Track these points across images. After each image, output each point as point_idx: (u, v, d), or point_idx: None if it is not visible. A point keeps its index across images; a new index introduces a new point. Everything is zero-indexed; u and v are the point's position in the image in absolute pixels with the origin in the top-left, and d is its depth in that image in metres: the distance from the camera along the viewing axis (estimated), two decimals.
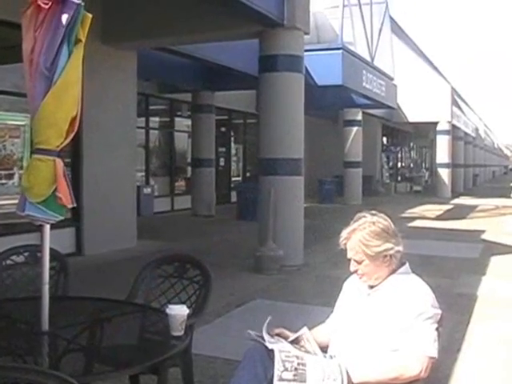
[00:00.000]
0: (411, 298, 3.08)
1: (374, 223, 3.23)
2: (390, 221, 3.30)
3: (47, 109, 3.16)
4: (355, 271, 3.26)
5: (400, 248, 3.23)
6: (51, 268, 3.86)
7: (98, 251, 11.30)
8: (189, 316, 3.28)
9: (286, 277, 9.79)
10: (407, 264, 3.31)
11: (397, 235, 3.27)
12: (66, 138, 3.27)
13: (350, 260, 3.28)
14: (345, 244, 3.26)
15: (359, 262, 3.22)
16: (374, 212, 3.31)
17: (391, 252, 3.19)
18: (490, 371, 5.76)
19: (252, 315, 7.07)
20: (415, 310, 3.03)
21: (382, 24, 24.13)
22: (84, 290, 4.62)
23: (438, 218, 20.97)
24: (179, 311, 3.22)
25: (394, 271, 3.24)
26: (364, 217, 3.27)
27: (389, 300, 3.13)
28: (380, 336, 3.07)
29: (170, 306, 3.28)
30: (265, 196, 10.53)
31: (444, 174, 32.25)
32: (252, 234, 11.75)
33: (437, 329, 3.07)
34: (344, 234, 3.27)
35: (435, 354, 2.99)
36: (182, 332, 3.22)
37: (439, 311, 3.10)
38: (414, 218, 19.93)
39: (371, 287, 3.25)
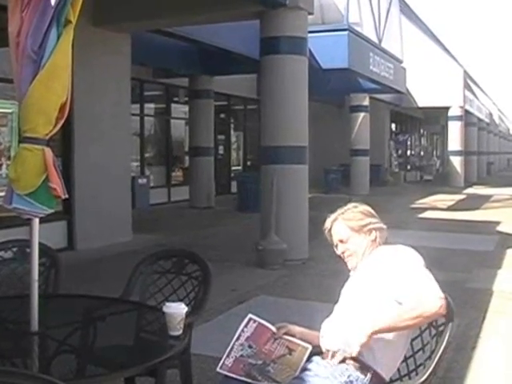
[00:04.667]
0: (402, 256, 3.23)
1: (355, 206, 3.49)
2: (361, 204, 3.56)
3: (35, 95, 3.14)
4: (342, 253, 3.41)
5: (384, 226, 3.43)
6: (41, 264, 3.85)
7: (91, 246, 11.28)
8: (187, 314, 3.27)
9: (290, 272, 9.79)
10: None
11: (378, 218, 3.47)
12: (55, 126, 3.24)
13: (336, 246, 3.45)
14: (329, 231, 3.46)
15: (345, 241, 3.39)
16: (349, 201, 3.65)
17: (375, 226, 3.39)
18: (508, 370, 5.75)
19: (254, 313, 7.06)
20: (409, 263, 3.17)
21: (390, 4, 24.06)
22: (76, 287, 4.62)
23: (449, 208, 20.96)
24: (177, 309, 3.20)
25: (379, 245, 3.40)
26: (345, 206, 3.52)
27: (377, 265, 3.24)
28: (376, 300, 3.14)
29: (168, 304, 3.27)
30: (267, 186, 10.51)
31: (456, 162, 32.22)
32: (254, 226, 11.75)
33: None
34: (327, 223, 3.47)
35: (442, 294, 3.05)
36: (181, 331, 3.20)
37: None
38: (424, 209, 19.93)
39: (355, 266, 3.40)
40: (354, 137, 26.41)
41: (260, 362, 3.15)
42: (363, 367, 3.03)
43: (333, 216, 3.45)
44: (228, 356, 3.15)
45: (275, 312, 7.19)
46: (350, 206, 3.49)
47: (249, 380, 3.08)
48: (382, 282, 3.14)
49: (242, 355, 3.15)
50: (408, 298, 3.04)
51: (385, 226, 3.43)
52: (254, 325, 3.24)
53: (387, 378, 3.10)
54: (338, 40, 17.53)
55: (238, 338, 3.19)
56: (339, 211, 3.46)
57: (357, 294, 3.24)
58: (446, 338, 3.03)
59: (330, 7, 18.90)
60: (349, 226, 3.38)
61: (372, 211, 3.48)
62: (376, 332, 2.99)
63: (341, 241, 3.39)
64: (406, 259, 3.19)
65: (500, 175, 49.48)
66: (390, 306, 3.07)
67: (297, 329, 3.37)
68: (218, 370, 3.15)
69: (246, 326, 3.23)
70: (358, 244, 3.36)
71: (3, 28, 3.42)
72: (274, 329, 3.28)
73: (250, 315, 3.28)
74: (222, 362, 3.15)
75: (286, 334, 3.32)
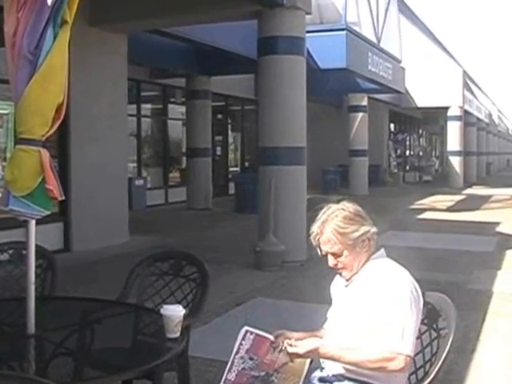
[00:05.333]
0: (382, 291, 3.02)
1: (343, 209, 3.19)
2: (357, 205, 3.28)
3: (31, 95, 3.14)
4: (334, 265, 3.20)
5: (376, 229, 3.18)
6: (37, 266, 3.84)
7: (88, 247, 11.28)
8: (185, 316, 3.26)
9: (289, 273, 9.78)
10: (383, 249, 3.26)
11: (368, 218, 3.22)
12: (51, 127, 3.24)
13: (326, 255, 3.21)
14: (318, 240, 3.20)
15: (339, 255, 3.16)
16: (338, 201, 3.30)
17: (369, 235, 3.15)
18: (508, 372, 5.75)
19: (252, 315, 7.06)
20: (384, 305, 2.98)
21: (389, 3, 24.07)
22: (73, 289, 4.62)
23: (449, 209, 20.97)
24: (174, 311, 3.20)
25: (370, 256, 3.20)
26: (330, 207, 3.23)
27: (363, 291, 3.10)
28: (357, 327, 3.05)
29: (165, 306, 3.26)
30: (265, 187, 10.51)
31: (455, 162, 32.23)
32: (252, 227, 11.75)
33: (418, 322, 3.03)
34: (315, 228, 3.20)
35: (411, 353, 2.94)
36: (178, 334, 3.20)
37: (418, 306, 3.04)
38: (423, 210, 19.94)
39: (349, 279, 3.22)
40: (353, 137, 26.42)
41: (263, 374, 3.10)
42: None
43: (320, 220, 3.19)
44: (230, 371, 3.08)
45: (273, 314, 7.19)
46: (338, 209, 3.19)
47: None
48: (363, 308, 3.05)
49: (243, 368, 3.09)
50: (377, 341, 2.96)
51: (376, 230, 3.18)
52: (252, 336, 3.15)
53: None
54: (336, 40, 17.53)
55: (237, 352, 3.11)
56: (325, 214, 3.18)
57: (348, 312, 3.15)
58: (449, 343, 3.02)
59: (327, 7, 18.91)
60: (340, 239, 3.12)
61: (362, 213, 3.21)
62: (325, 355, 2.99)
63: (332, 254, 3.18)
64: (391, 296, 2.99)
65: (499, 175, 49.50)
66: (360, 337, 3.02)
67: (295, 334, 3.27)
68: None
69: (243, 338, 3.14)
70: (353, 258, 3.15)
71: None
72: (271, 337, 3.18)
73: (245, 328, 3.17)
74: (224, 377, 3.08)
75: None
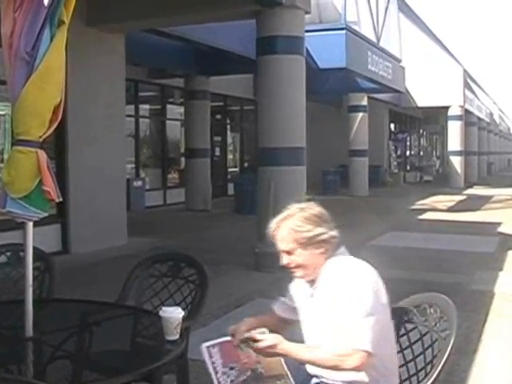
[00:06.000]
0: (342, 290, 3.02)
1: (304, 209, 3.19)
2: (322, 208, 3.25)
3: (28, 97, 3.14)
4: (287, 264, 3.21)
5: (334, 233, 3.15)
6: (35, 268, 3.84)
7: (86, 249, 11.28)
8: (184, 318, 3.26)
9: (288, 275, 9.75)
10: (343, 248, 3.23)
11: (331, 221, 3.20)
12: (48, 128, 3.25)
13: (281, 253, 3.22)
14: (274, 235, 3.20)
15: (291, 253, 3.16)
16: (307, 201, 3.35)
17: (324, 237, 3.13)
18: (510, 374, 5.75)
19: (252, 317, 7.05)
20: (345, 304, 2.98)
21: (389, 2, 24.08)
22: (71, 291, 4.62)
23: (450, 209, 20.97)
24: (173, 314, 3.20)
25: (327, 259, 3.18)
26: (293, 206, 3.24)
27: (327, 294, 3.10)
28: (325, 328, 3.08)
29: (164, 308, 3.26)
30: (264, 188, 10.51)
31: (456, 162, 32.23)
32: (251, 228, 11.73)
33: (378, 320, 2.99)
34: (273, 224, 3.21)
35: (369, 348, 2.91)
36: (177, 336, 3.20)
37: (379, 300, 3.03)
38: (424, 210, 19.95)
39: (312, 284, 3.22)
40: (353, 137, 26.41)
41: (249, 373, 3.11)
42: None
43: (279, 217, 3.20)
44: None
45: None
46: (297, 208, 3.20)
47: None
48: (329, 309, 3.06)
49: (232, 381, 3.09)
50: (335, 338, 2.99)
51: (335, 234, 3.16)
52: (215, 349, 3.12)
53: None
54: (335, 39, 17.53)
55: (216, 372, 3.09)
56: (285, 214, 3.20)
57: (317, 316, 3.17)
58: (451, 344, 3.03)
59: (327, 6, 18.92)
60: (294, 237, 3.13)
61: (323, 215, 3.20)
62: (283, 352, 3.00)
63: (285, 252, 3.18)
64: (351, 294, 2.98)
65: (501, 175, 49.50)
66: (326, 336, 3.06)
67: (247, 323, 3.29)
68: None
69: (210, 356, 3.11)
70: (306, 259, 3.14)
71: None
72: (229, 338, 3.19)
73: (203, 345, 3.13)
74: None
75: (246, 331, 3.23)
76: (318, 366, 3.02)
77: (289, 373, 3.09)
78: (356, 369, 2.92)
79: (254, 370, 3.13)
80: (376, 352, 2.91)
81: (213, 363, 3.11)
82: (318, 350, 3.01)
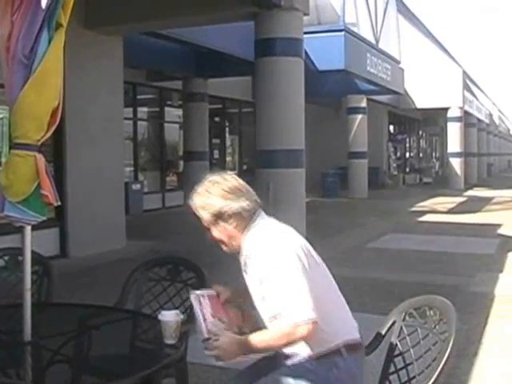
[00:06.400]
0: (258, 261, 3.06)
1: (211, 184, 3.19)
2: (235, 179, 3.23)
3: (26, 100, 3.14)
4: (212, 240, 3.25)
5: (245, 205, 3.15)
6: (33, 272, 3.84)
7: (84, 253, 11.27)
8: (183, 322, 3.26)
9: None
10: (260, 216, 3.26)
11: (243, 193, 3.18)
12: (47, 132, 3.25)
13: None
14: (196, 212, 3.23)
15: (209, 229, 3.21)
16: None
17: (231, 211, 3.13)
18: (510, 377, 5.75)
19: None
20: (264, 276, 3.01)
21: (387, 3, 24.10)
22: (70, 295, 4.62)
23: (450, 211, 20.96)
24: (172, 317, 3.20)
25: (244, 231, 3.19)
26: (204, 180, 3.25)
27: (252, 272, 3.13)
28: (261, 306, 3.11)
29: (163, 312, 3.26)
30: (263, 191, 10.50)
31: (456, 163, 32.24)
32: None
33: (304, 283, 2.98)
34: (190, 202, 3.26)
35: (306, 317, 2.91)
36: (176, 340, 3.20)
37: (303, 264, 3.01)
38: (424, 212, 19.94)
39: (241, 259, 3.25)
40: (352, 139, 26.41)
41: (236, 330, 3.14)
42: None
43: (194, 193, 3.25)
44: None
45: None
46: (204, 184, 3.21)
47: None
48: (258, 285, 3.09)
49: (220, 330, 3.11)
50: (275, 315, 2.98)
51: (246, 205, 3.14)
52: (206, 299, 3.19)
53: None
54: (334, 41, 17.54)
55: (204, 319, 3.11)
56: (194, 192, 3.24)
57: (253, 294, 3.19)
58: (450, 346, 3.02)
59: (325, 7, 18.94)
60: (204, 216, 3.17)
61: (231, 188, 3.16)
62: (240, 352, 3.00)
63: (206, 228, 3.22)
64: (273, 266, 2.99)
65: (501, 177, 49.52)
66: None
67: (225, 294, 3.37)
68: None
69: (199, 304, 3.16)
70: (220, 233, 3.18)
71: None
72: (215, 292, 3.28)
73: (194, 293, 3.21)
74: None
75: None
76: (276, 348, 3.07)
77: None
78: (308, 337, 2.95)
79: (240, 328, 3.16)
80: (316, 315, 2.94)
81: (201, 310, 3.14)
82: (266, 335, 3.01)
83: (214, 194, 3.14)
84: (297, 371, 3.08)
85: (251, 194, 3.22)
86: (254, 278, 3.11)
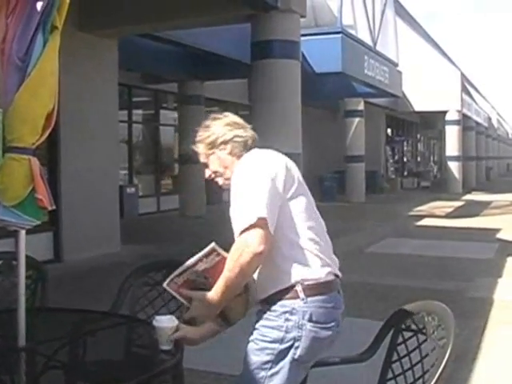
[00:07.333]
0: (233, 182, 3.06)
1: (212, 118, 3.30)
2: (233, 115, 3.35)
3: (21, 103, 3.14)
4: (209, 177, 3.32)
5: (239, 133, 3.24)
6: (28, 277, 3.84)
7: (79, 257, 11.27)
8: (178, 328, 3.26)
9: None
10: (256, 149, 3.24)
11: (238, 124, 3.27)
12: (42, 135, 3.24)
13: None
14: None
15: (207, 164, 3.27)
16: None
17: (225, 137, 3.21)
18: (509, 382, 5.76)
19: (248, 324, 7.05)
20: (233, 195, 3.02)
21: (385, 5, 24.14)
22: (64, 300, 4.60)
23: (448, 215, 21.00)
24: (168, 323, 3.19)
25: (240, 157, 3.21)
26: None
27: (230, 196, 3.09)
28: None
29: (157, 318, 3.24)
30: None
31: (454, 167, 32.29)
32: None
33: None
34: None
35: (255, 217, 2.84)
36: (171, 346, 3.19)
37: (274, 182, 2.97)
38: (422, 217, 19.97)
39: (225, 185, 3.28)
40: (349, 143, 26.45)
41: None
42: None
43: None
44: (179, 276, 3.07)
45: None
46: (206, 120, 3.31)
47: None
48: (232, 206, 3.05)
49: (193, 280, 3.08)
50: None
51: (240, 133, 3.23)
52: (217, 258, 3.05)
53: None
54: (331, 43, 17.57)
55: (194, 265, 3.05)
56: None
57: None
58: (448, 352, 3.03)
59: (323, 9, 18.96)
60: (200, 150, 3.26)
61: (225, 118, 3.28)
62: (224, 294, 2.97)
63: (204, 165, 3.29)
64: (237, 180, 3.02)
65: (500, 180, 49.58)
66: None
67: None
68: (164, 285, 3.10)
69: (206, 256, 3.06)
70: (215, 163, 3.24)
71: None
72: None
73: (213, 244, 3.09)
74: (170, 278, 3.08)
75: None
76: (242, 278, 2.95)
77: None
78: (260, 250, 2.84)
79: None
80: (276, 225, 2.91)
81: (200, 260, 3.06)
82: (226, 266, 2.95)
83: (212, 127, 3.25)
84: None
85: (250, 130, 3.31)
86: (231, 201, 3.08)
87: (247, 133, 3.26)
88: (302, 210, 3.07)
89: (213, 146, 3.21)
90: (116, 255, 11.77)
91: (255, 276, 3.05)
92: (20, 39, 3.16)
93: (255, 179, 2.96)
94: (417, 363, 3.18)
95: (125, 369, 3.32)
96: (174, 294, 3.12)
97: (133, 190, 19.08)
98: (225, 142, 3.20)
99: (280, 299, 3.01)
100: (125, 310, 4.18)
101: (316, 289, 2.99)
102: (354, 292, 8.58)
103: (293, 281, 2.98)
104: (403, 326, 3.35)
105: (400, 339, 3.33)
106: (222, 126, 3.23)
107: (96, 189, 12.24)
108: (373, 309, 7.82)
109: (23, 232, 3.33)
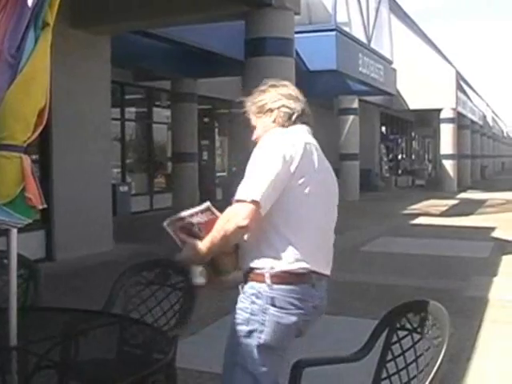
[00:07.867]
0: (256, 150, 3.21)
1: (269, 84, 3.46)
2: (290, 85, 3.50)
3: (12, 100, 3.13)
4: (255, 140, 3.41)
5: (286, 103, 3.36)
6: (19, 276, 3.83)
7: (71, 256, 11.25)
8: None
9: None
10: (301, 125, 3.47)
11: (292, 96, 3.41)
12: (33, 132, 3.23)
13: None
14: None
15: (254, 127, 3.46)
16: None
17: (273, 105, 3.36)
18: (504, 382, 5.77)
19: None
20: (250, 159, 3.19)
21: (380, 3, 24.15)
22: (56, 299, 4.60)
23: (443, 214, 21.02)
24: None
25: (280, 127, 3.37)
26: (267, 82, 3.49)
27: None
28: None
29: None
30: None
31: (449, 166, 32.34)
32: None
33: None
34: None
35: (249, 197, 3.01)
36: (204, 280, 3.35)
37: (285, 162, 3.10)
38: (416, 215, 19.98)
39: None
40: (343, 141, 26.46)
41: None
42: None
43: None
44: (178, 221, 3.27)
45: None
46: (264, 85, 3.47)
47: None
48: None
49: (190, 229, 3.26)
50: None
51: (288, 104, 3.37)
52: (211, 217, 3.27)
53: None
54: (325, 41, 17.58)
55: (191, 216, 3.26)
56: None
57: None
58: (443, 352, 3.03)
59: (317, 6, 18.97)
60: (252, 111, 3.43)
61: (282, 87, 3.43)
62: (209, 249, 3.14)
63: (253, 127, 3.46)
64: (256, 153, 3.18)
65: (494, 179, 49.62)
66: None
67: None
68: (164, 224, 3.25)
69: (202, 212, 3.28)
70: (260, 126, 3.41)
71: None
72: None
73: (208, 203, 3.34)
74: (170, 220, 3.27)
75: None
76: (220, 243, 3.12)
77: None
78: (244, 224, 3.01)
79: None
80: (268, 205, 3.04)
81: (196, 214, 3.28)
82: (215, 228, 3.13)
83: (266, 93, 3.41)
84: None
85: (302, 104, 3.46)
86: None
87: (296, 105, 3.39)
88: (304, 200, 3.16)
89: (261, 110, 3.38)
90: (109, 254, 11.75)
91: (242, 241, 3.21)
92: (11, 36, 3.15)
93: (269, 159, 3.11)
94: (411, 362, 3.18)
95: (117, 368, 3.31)
96: (172, 234, 3.29)
97: (126, 188, 19.04)
98: (271, 110, 3.35)
99: (252, 280, 3.18)
100: (117, 309, 4.17)
101: (283, 278, 3.11)
102: (347, 291, 8.59)
103: (264, 265, 3.13)
104: (398, 325, 3.35)
105: (395, 338, 3.34)
106: (274, 94, 3.37)
107: (88, 187, 12.21)
108: (367, 308, 7.82)
109: (15, 230, 3.32)
